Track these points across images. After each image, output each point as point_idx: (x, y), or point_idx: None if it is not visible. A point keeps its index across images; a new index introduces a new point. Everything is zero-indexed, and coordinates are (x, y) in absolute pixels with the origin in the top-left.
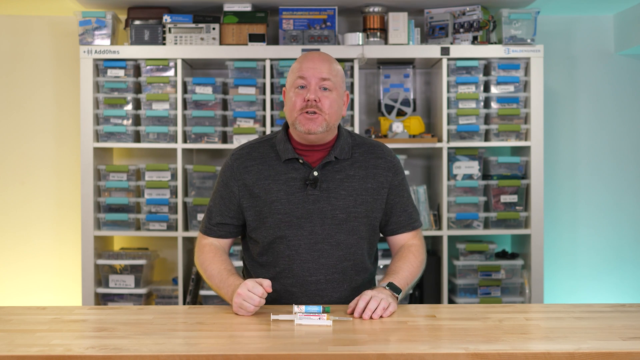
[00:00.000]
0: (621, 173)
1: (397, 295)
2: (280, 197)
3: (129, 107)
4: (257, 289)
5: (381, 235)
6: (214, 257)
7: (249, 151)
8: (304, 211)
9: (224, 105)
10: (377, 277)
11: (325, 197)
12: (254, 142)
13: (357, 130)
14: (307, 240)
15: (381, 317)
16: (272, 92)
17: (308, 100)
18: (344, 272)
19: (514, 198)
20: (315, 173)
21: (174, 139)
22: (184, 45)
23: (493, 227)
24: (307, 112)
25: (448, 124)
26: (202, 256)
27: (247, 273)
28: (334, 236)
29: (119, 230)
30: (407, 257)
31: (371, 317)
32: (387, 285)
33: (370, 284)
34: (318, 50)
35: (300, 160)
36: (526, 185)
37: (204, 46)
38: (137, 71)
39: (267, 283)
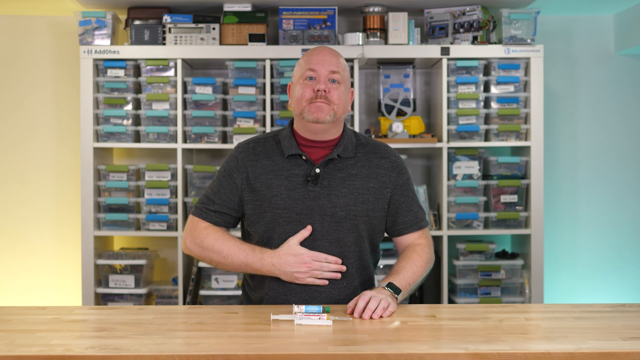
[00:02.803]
0: (621, 173)
1: (396, 295)
2: (280, 192)
3: (129, 107)
4: (321, 257)
5: (386, 235)
6: (224, 235)
7: (254, 145)
8: (303, 207)
9: (224, 105)
10: (378, 277)
11: (325, 194)
12: (260, 137)
13: (357, 130)
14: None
15: (381, 317)
16: (272, 92)
17: (318, 90)
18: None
19: (514, 198)
20: (318, 170)
21: (174, 139)
22: (184, 45)
23: (493, 227)
24: (316, 101)
25: (448, 124)
26: (207, 239)
27: None
28: (333, 233)
29: (119, 230)
30: (411, 257)
31: (371, 317)
32: (387, 286)
33: (370, 283)
34: None
35: (304, 157)
36: (526, 185)
37: (204, 46)
38: (137, 71)
39: (307, 230)
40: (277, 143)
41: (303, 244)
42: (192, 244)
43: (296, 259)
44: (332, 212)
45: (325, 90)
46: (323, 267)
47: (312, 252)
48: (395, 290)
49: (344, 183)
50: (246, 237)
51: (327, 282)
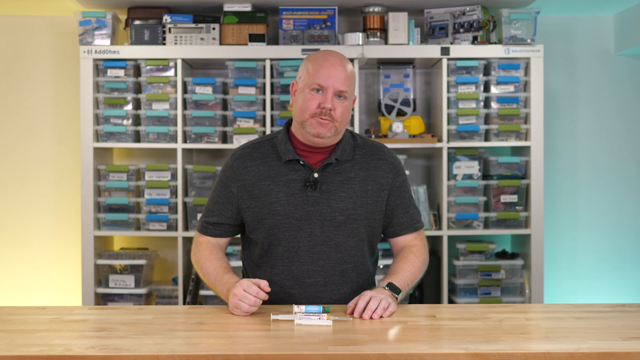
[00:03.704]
0: (621, 173)
1: (396, 295)
2: (280, 199)
3: (129, 107)
4: (252, 288)
5: (382, 236)
6: (210, 254)
7: (249, 151)
8: (303, 213)
9: (224, 105)
10: (377, 277)
11: (324, 199)
12: (255, 142)
13: (357, 130)
14: (306, 242)
15: (381, 317)
16: (272, 92)
17: (323, 107)
18: (344, 274)
19: (514, 198)
20: (316, 175)
21: (174, 139)
22: (184, 45)
23: (493, 227)
24: (320, 117)
25: (448, 124)
26: (198, 253)
27: (246, 273)
28: (333, 238)
29: (119, 230)
30: (408, 258)
31: (371, 317)
32: (387, 286)
33: (370, 285)
34: (319, 49)
35: (301, 162)
36: (526, 185)
37: (204, 46)
38: (137, 71)
39: (264, 283)
40: (273, 147)
41: (304, 247)
42: (192, 257)
43: (232, 295)
44: (332, 217)
45: (331, 109)
46: (242, 296)
47: (244, 286)
48: (395, 290)
49: (342, 187)
50: (248, 245)
51: (247, 313)
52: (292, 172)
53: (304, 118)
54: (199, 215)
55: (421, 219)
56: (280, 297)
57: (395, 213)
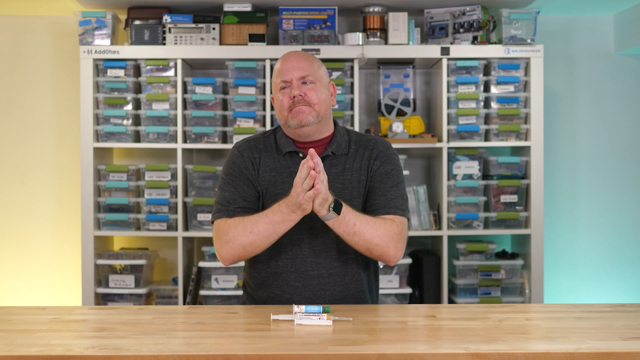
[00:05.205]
0: (621, 173)
1: (332, 209)
2: (285, 190)
3: (129, 107)
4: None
5: None
6: (242, 217)
7: (254, 144)
8: None
9: (224, 105)
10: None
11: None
12: (256, 135)
13: (357, 130)
14: (308, 234)
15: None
16: (272, 92)
17: (294, 97)
18: (345, 265)
19: (514, 198)
20: None
21: (174, 139)
22: (184, 45)
23: (493, 227)
24: (295, 108)
25: (448, 124)
26: (229, 230)
27: (247, 270)
28: (332, 230)
29: (119, 230)
30: (371, 217)
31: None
32: (336, 201)
33: (374, 275)
34: (319, 50)
35: (300, 154)
36: (526, 185)
37: (204, 46)
38: (137, 71)
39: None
40: (275, 141)
41: (306, 239)
42: (223, 248)
43: (293, 189)
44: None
45: (301, 95)
46: (302, 176)
47: (298, 174)
48: (337, 207)
49: (338, 179)
50: None
51: (319, 188)
52: (293, 165)
53: (285, 116)
54: (199, 215)
55: (405, 210)
56: (284, 290)
57: (371, 195)
